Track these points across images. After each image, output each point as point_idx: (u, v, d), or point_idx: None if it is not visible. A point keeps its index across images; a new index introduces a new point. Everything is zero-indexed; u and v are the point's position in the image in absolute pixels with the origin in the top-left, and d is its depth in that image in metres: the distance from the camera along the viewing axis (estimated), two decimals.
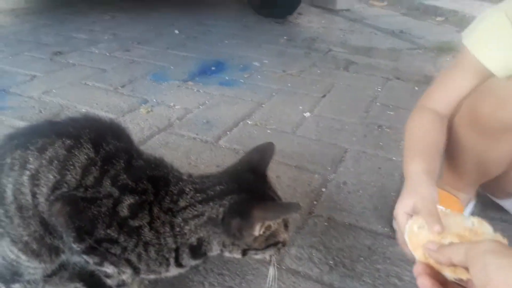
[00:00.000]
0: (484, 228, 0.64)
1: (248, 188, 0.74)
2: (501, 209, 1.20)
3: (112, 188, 0.72)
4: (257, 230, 0.69)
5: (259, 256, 0.76)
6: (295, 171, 1.38)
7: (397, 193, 1.24)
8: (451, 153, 1.04)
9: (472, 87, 0.94)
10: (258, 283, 0.93)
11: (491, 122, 0.90)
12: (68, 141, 0.73)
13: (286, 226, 0.76)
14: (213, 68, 2.37)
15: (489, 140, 0.94)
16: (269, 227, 0.71)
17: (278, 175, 1.35)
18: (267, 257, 0.77)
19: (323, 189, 1.30)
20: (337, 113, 1.85)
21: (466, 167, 1.05)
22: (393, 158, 1.49)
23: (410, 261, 1.01)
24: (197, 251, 0.74)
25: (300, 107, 1.89)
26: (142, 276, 0.78)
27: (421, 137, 0.95)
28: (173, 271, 0.77)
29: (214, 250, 0.74)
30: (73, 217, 0.70)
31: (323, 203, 1.23)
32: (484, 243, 0.51)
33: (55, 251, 0.77)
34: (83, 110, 1.74)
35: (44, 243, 0.75)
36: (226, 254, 0.74)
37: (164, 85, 2.08)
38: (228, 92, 2.03)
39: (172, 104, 1.85)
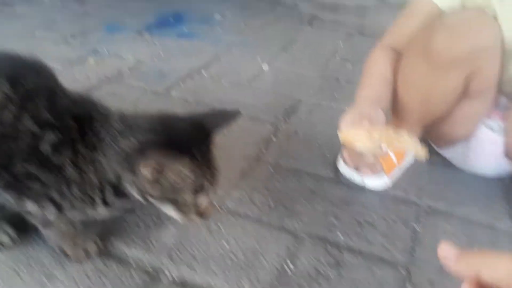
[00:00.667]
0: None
1: (171, 136, 0.71)
2: (444, 157, 1.22)
3: (33, 125, 0.68)
4: (148, 172, 0.66)
5: (159, 205, 0.72)
6: (247, 121, 1.37)
7: None
8: (398, 90, 1.05)
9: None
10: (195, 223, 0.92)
11: (442, 55, 0.92)
12: None
13: (197, 190, 0.71)
14: (171, 19, 2.28)
15: (438, 73, 0.95)
16: (164, 175, 0.67)
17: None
18: (173, 215, 0.74)
19: (274, 138, 1.29)
20: (295, 66, 1.82)
21: (411, 105, 1.05)
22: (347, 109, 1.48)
23: (350, 203, 1.03)
24: (118, 189, 0.72)
25: (259, 60, 1.85)
26: (68, 214, 0.75)
27: (373, 71, 1.04)
28: (102, 211, 0.75)
29: (129, 189, 0.71)
30: None
31: (272, 151, 1.22)
32: None
33: None
34: None
35: None
36: (133, 194, 0.72)
37: (118, 37, 1.99)
38: (186, 44, 1.96)
39: (124, 56, 1.78)
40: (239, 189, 1.05)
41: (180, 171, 0.68)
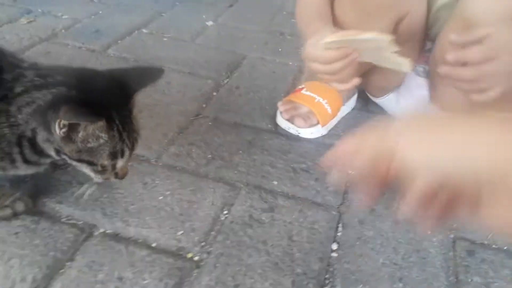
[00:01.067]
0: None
1: (88, 93, 0.67)
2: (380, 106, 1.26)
3: None
4: (60, 131, 0.64)
5: (75, 165, 0.71)
6: (188, 77, 1.34)
7: (287, 93, 1.25)
8: None
9: None
10: (129, 178, 0.91)
11: (368, 1, 0.92)
12: None
13: (114, 155, 0.69)
14: None
15: (367, 19, 0.95)
16: (77, 136, 0.65)
17: (169, 81, 1.30)
18: (90, 174, 0.73)
19: (214, 93, 1.28)
20: (241, 22, 1.79)
21: None
22: (290, 63, 1.49)
23: (287, 152, 1.05)
24: (36, 145, 0.69)
25: (204, 16, 1.80)
26: None
27: (314, 8, 1.01)
28: (23, 168, 0.73)
29: (45, 147, 0.69)
30: None
31: (212, 106, 1.22)
32: None
33: None
34: None
35: None
36: (49, 152, 0.70)
37: None
38: (126, 2, 1.87)
39: (59, 14, 1.68)
40: (176, 144, 1.04)
41: (95, 133, 0.65)
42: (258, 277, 0.74)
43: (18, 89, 0.67)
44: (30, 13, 1.67)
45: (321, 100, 1.11)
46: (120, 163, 0.72)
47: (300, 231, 0.83)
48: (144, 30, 1.62)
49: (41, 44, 1.45)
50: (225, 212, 0.87)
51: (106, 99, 0.69)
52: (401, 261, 0.80)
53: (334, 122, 1.16)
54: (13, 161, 0.71)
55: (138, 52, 1.45)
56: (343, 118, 1.20)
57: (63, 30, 1.55)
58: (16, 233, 0.77)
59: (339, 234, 0.85)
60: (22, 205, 0.80)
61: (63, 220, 0.81)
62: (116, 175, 0.74)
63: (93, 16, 1.70)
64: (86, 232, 0.79)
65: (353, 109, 1.25)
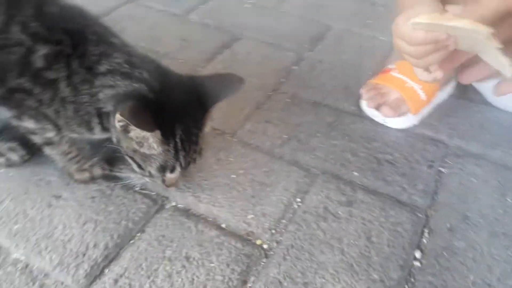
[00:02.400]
0: None
1: (165, 97, 0.65)
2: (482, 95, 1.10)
3: (22, 35, 0.64)
4: (116, 120, 0.62)
5: (127, 159, 0.71)
6: (268, 48, 1.27)
7: (374, 72, 1.14)
8: None
9: None
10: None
11: None
12: None
13: (164, 168, 0.69)
14: None
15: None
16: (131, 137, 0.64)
17: (249, 51, 1.24)
18: (137, 172, 0.72)
19: (295, 67, 1.20)
20: None
21: None
22: (380, 37, 1.35)
23: (371, 140, 0.96)
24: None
25: None
26: (66, 134, 0.74)
27: None
28: (100, 134, 0.73)
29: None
30: None
31: (292, 80, 1.14)
32: None
33: None
34: None
35: None
36: (113, 139, 0.71)
37: None
38: None
39: None
40: (253, 120, 0.99)
41: (149, 141, 0.64)
42: (329, 277, 0.68)
43: (103, 67, 0.65)
44: None
45: (413, 84, 0.99)
46: (168, 176, 0.71)
47: (380, 232, 0.76)
48: None
49: (125, 5, 1.45)
50: (298, 199, 0.81)
51: (180, 111, 0.66)
52: (496, 282, 0.69)
53: (427, 109, 1.03)
54: (90, 130, 0.71)
55: (219, 18, 1.40)
56: (438, 105, 1.06)
57: None
58: (93, 198, 0.78)
59: (424, 240, 0.75)
60: (99, 169, 0.80)
61: (136, 189, 0.81)
62: (163, 182, 0.73)
63: None
64: (158, 204, 0.78)
65: (450, 96, 1.10)
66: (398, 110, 0.96)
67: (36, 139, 0.74)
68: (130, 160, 0.70)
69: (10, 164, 0.81)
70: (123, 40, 0.72)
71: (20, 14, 0.64)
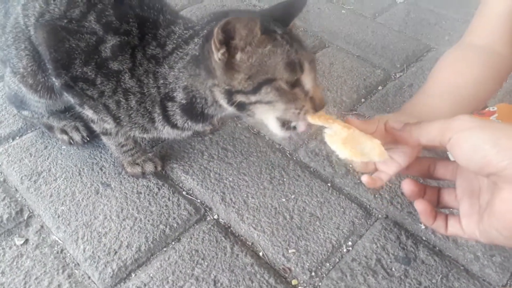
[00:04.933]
0: None
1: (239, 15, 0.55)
2: None
3: (96, 24, 0.64)
4: (215, 53, 0.53)
5: (258, 110, 0.57)
6: (355, 61, 1.17)
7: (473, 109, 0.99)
8: None
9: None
10: (259, 165, 0.84)
11: None
12: None
13: (292, 67, 0.54)
14: None
15: None
16: (243, 43, 0.53)
17: (333, 61, 1.15)
18: (274, 125, 0.58)
19: (380, 87, 1.09)
20: (438, 4, 1.48)
21: None
22: None
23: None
24: (192, 110, 0.64)
25: None
26: (127, 129, 0.72)
27: (438, 79, 0.74)
28: (168, 131, 0.70)
29: (209, 103, 0.62)
30: (50, 46, 0.64)
31: (373, 102, 1.04)
32: (463, 118, 0.43)
33: (50, 89, 0.75)
34: None
35: (38, 80, 0.74)
36: (219, 102, 0.60)
37: None
38: None
39: None
40: (318, 139, 0.91)
41: (257, 48, 0.53)
42: None
43: (169, 47, 0.62)
44: None
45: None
46: (306, 80, 0.56)
47: None
48: None
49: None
50: (349, 243, 0.73)
51: (265, 19, 0.56)
52: None
53: None
54: (152, 122, 0.69)
55: (310, 21, 1.32)
56: None
57: None
58: (139, 193, 0.77)
59: None
60: (152, 165, 0.79)
61: (183, 192, 0.78)
62: (313, 102, 0.56)
63: None
64: (200, 213, 0.75)
65: None
66: None
67: (95, 127, 0.74)
68: (258, 97, 0.55)
69: (72, 143, 0.83)
70: (187, 17, 0.69)
71: (100, 3, 0.64)
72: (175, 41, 0.62)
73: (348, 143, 0.62)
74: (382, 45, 1.24)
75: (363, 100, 1.04)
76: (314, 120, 0.58)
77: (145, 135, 0.74)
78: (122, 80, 0.64)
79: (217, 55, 0.53)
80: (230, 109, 0.60)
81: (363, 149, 0.60)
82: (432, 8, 1.46)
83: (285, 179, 0.82)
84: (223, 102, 0.59)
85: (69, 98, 0.71)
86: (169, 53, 0.62)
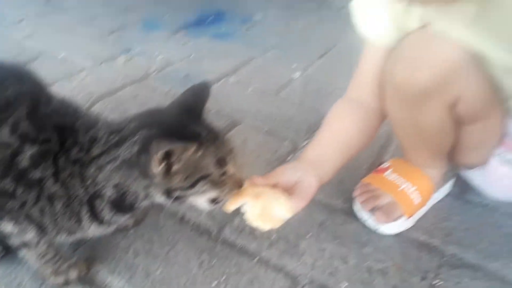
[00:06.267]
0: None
1: (164, 123, 0.67)
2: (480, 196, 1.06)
3: (11, 137, 0.65)
4: (158, 163, 0.61)
5: (192, 198, 0.67)
6: (265, 136, 1.28)
7: (369, 165, 1.13)
8: (395, 131, 0.98)
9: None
10: (187, 252, 0.86)
11: (407, 89, 0.80)
12: None
13: (220, 163, 0.66)
14: (211, 18, 2.22)
15: (415, 107, 0.84)
16: (179, 159, 0.63)
17: (245, 139, 1.25)
18: (204, 204, 0.69)
19: (290, 157, 1.20)
20: (330, 75, 1.70)
21: (412, 144, 0.96)
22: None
23: (363, 244, 0.92)
24: (121, 204, 0.67)
25: (293, 66, 1.75)
26: (52, 236, 0.71)
27: (329, 128, 0.94)
28: (94, 229, 0.71)
29: (140, 198, 0.67)
30: None
31: None
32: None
33: None
34: (60, 56, 1.68)
35: None
36: (155, 199, 0.68)
37: (153, 35, 1.98)
38: (219, 46, 1.90)
39: (155, 55, 1.75)
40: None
41: (194, 153, 0.63)
42: None
43: (95, 151, 0.66)
44: (129, 51, 1.77)
45: (408, 187, 0.96)
46: (231, 167, 0.68)
47: None
48: (231, 79, 1.61)
49: (132, 85, 1.51)
50: None
51: (183, 124, 0.67)
52: None
53: (423, 211, 1.00)
54: (79, 221, 0.69)
55: (222, 103, 1.43)
56: (434, 206, 1.03)
57: (154, 73, 1.61)
58: None
59: None
60: (76, 272, 0.78)
61: None
62: (237, 182, 0.70)
63: (185, 59, 1.75)
64: None
65: (447, 195, 1.07)
66: (391, 215, 0.93)
67: (13, 241, 0.72)
68: (193, 190, 0.66)
69: None
70: (103, 118, 0.73)
71: (12, 116, 0.66)
72: (101, 146, 0.66)
73: (264, 215, 0.73)
74: (287, 118, 1.38)
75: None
76: (233, 205, 0.72)
77: (70, 239, 0.74)
78: (45, 187, 0.65)
79: (157, 169, 0.62)
80: (166, 203, 0.68)
81: (276, 213, 0.72)
82: (326, 79, 1.66)
83: (214, 262, 0.85)
84: (160, 198, 0.67)
85: None
86: (97, 156, 0.65)
